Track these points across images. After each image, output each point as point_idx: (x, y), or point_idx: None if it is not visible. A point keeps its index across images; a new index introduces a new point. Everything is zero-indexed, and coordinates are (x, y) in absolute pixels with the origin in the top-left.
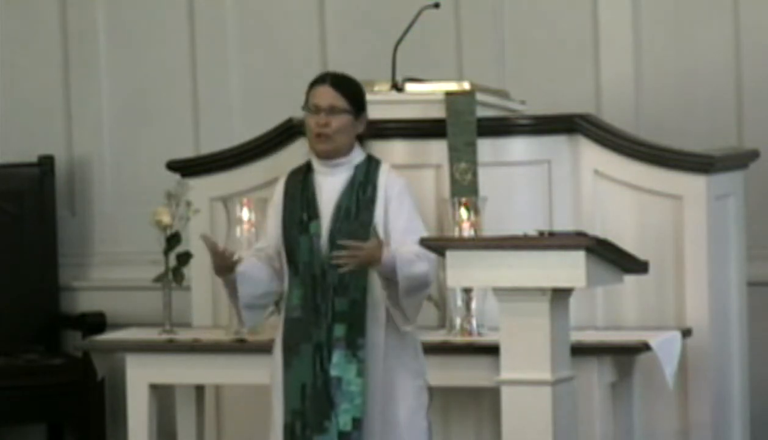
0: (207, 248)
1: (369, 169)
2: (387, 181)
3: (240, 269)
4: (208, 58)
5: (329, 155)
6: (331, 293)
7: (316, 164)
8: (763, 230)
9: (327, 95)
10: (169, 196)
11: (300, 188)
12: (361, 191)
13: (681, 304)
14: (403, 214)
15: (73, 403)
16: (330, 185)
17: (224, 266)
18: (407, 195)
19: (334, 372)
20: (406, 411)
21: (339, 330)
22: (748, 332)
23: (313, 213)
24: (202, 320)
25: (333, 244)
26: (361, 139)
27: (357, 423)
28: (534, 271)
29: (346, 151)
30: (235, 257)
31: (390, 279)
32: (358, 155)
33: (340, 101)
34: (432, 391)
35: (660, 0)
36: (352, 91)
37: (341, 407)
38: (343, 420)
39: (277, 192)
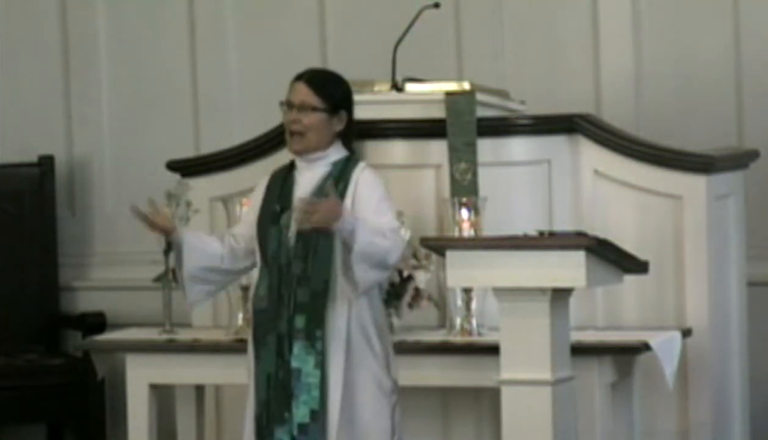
0: (138, 219)
1: (346, 167)
2: (359, 177)
3: (187, 237)
4: (208, 58)
5: (300, 152)
6: (294, 284)
7: (297, 160)
8: (763, 230)
9: (300, 93)
10: (169, 196)
11: (280, 183)
12: (334, 186)
13: (681, 304)
14: (372, 202)
15: (73, 403)
16: (307, 180)
17: (159, 225)
18: (378, 187)
19: (294, 364)
20: (368, 411)
21: (299, 321)
22: (748, 332)
23: (286, 205)
24: (202, 321)
25: (300, 234)
26: (347, 138)
27: (315, 415)
28: (534, 271)
29: (321, 148)
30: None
31: (348, 244)
32: (337, 153)
33: (312, 99)
34: (399, 391)
35: (660, 0)
36: (327, 90)
37: (300, 399)
38: (302, 412)
39: (260, 185)
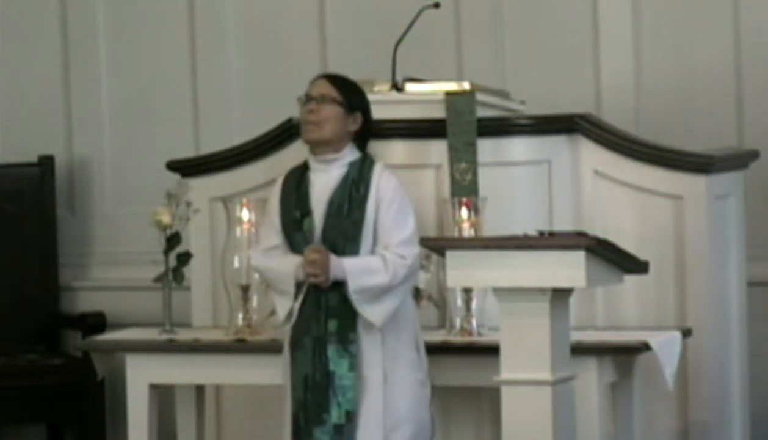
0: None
1: (363, 167)
2: (380, 180)
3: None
4: (208, 58)
5: (317, 144)
6: (325, 288)
7: (311, 161)
8: (763, 230)
9: (320, 86)
10: (169, 196)
11: (295, 186)
12: (354, 188)
13: (681, 304)
14: (390, 213)
15: (73, 403)
16: (323, 182)
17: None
18: (398, 196)
19: (329, 366)
20: (408, 405)
21: (332, 325)
22: (748, 332)
23: (306, 210)
24: (202, 320)
25: (326, 240)
26: (361, 141)
27: (350, 416)
28: (534, 271)
29: (336, 144)
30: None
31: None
32: (352, 154)
33: (331, 92)
34: (433, 385)
35: (660, 1)
36: (346, 87)
37: (336, 400)
38: (337, 413)
39: (275, 191)
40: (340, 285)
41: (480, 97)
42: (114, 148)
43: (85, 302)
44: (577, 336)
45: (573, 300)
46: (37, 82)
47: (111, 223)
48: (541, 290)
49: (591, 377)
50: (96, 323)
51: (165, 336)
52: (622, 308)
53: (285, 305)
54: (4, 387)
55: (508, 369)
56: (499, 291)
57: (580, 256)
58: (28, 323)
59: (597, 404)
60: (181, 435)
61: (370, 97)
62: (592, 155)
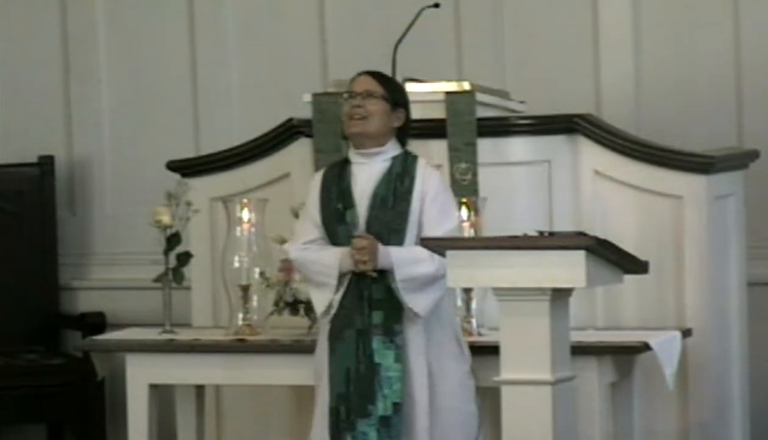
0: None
1: (406, 162)
2: (425, 174)
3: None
4: (208, 58)
5: (361, 138)
6: (368, 280)
7: (353, 156)
8: (763, 230)
9: (364, 83)
10: (169, 196)
11: (336, 180)
12: (399, 181)
13: (681, 304)
14: (435, 206)
15: (73, 403)
16: (366, 175)
17: None
18: (442, 189)
19: (375, 359)
20: (454, 397)
21: (377, 317)
22: (748, 332)
23: (349, 202)
24: (202, 321)
25: (370, 231)
26: (403, 138)
27: (397, 407)
28: (534, 271)
29: (380, 139)
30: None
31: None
32: (394, 149)
33: (376, 88)
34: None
35: (660, 1)
36: (390, 85)
37: (382, 392)
38: (384, 405)
39: (314, 186)
40: (383, 277)
41: (480, 97)
42: (114, 148)
43: (85, 302)
44: (577, 336)
45: (573, 300)
46: (37, 83)
47: (111, 223)
48: (541, 290)
49: (591, 377)
50: (96, 323)
51: (165, 336)
52: (622, 308)
53: (324, 298)
54: (4, 387)
55: (508, 369)
56: (499, 291)
57: (580, 256)
58: (28, 323)
59: (597, 404)
60: (181, 435)
61: None
62: (592, 155)
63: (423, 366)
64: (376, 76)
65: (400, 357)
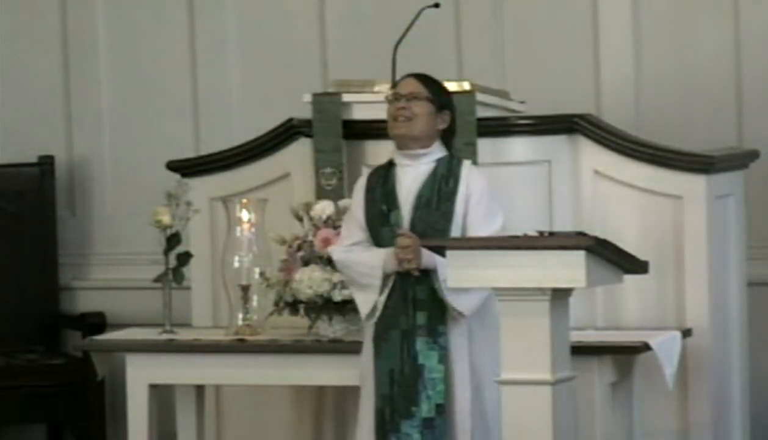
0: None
1: (451, 164)
2: (469, 176)
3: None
4: (208, 58)
5: (406, 140)
6: (413, 280)
7: (398, 158)
8: (763, 230)
9: (409, 85)
10: (169, 196)
11: (381, 182)
12: (443, 183)
13: (681, 304)
14: (480, 208)
15: (73, 403)
16: (411, 177)
17: None
18: (487, 192)
19: (419, 360)
20: (496, 399)
21: (421, 318)
22: (748, 332)
23: (393, 204)
24: (202, 320)
25: (415, 232)
26: (448, 139)
27: (441, 409)
28: (534, 271)
29: (425, 141)
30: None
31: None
32: (439, 151)
33: (421, 90)
34: None
35: (660, 1)
36: (434, 85)
37: (425, 394)
38: (427, 406)
39: (358, 188)
40: (427, 278)
41: (480, 97)
42: (114, 148)
43: (85, 302)
44: (577, 336)
45: (573, 300)
46: (37, 82)
47: (111, 223)
48: (541, 290)
49: (591, 377)
50: (96, 323)
51: (165, 336)
52: (622, 308)
53: (369, 300)
54: (4, 387)
55: (508, 369)
56: (499, 291)
57: (580, 256)
58: (28, 323)
59: (597, 404)
60: (181, 435)
61: (370, 97)
62: (592, 155)
63: (466, 367)
64: (422, 78)
65: (444, 359)
